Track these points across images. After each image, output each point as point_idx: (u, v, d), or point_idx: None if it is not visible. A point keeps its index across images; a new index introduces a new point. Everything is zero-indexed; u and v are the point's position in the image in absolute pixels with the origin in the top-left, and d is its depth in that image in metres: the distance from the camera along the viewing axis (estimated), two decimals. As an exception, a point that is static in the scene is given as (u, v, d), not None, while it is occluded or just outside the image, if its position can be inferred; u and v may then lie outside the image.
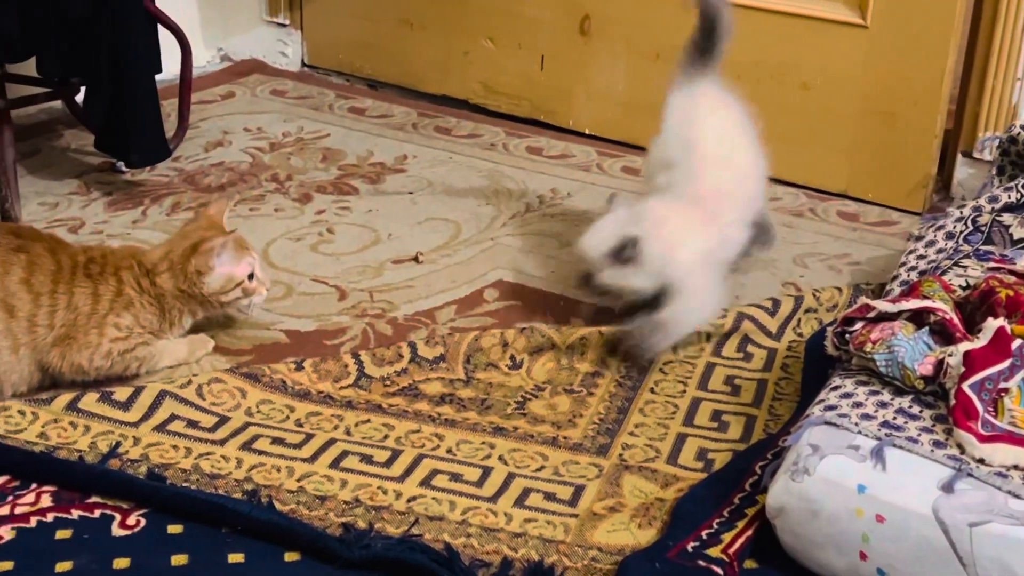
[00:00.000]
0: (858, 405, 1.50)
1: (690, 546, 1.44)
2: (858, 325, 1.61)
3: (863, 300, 1.65)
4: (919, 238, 2.04)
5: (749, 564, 1.46)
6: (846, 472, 1.40)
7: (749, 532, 1.46)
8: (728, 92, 2.05)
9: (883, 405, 1.49)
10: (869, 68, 2.49)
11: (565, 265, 2.26)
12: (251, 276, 1.90)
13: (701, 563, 1.39)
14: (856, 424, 1.45)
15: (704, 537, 1.46)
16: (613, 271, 1.84)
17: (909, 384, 1.50)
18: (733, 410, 1.79)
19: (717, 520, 1.49)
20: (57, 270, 1.79)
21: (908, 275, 1.91)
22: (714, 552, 1.42)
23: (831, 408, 1.50)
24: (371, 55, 3.27)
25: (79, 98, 2.76)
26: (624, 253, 1.82)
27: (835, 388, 1.55)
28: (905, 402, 1.49)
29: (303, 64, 3.42)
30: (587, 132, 2.94)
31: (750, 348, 1.94)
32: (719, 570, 1.39)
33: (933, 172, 2.51)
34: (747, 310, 2.00)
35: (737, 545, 1.44)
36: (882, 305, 1.61)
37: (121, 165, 2.63)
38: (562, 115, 2.97)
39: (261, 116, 3.03)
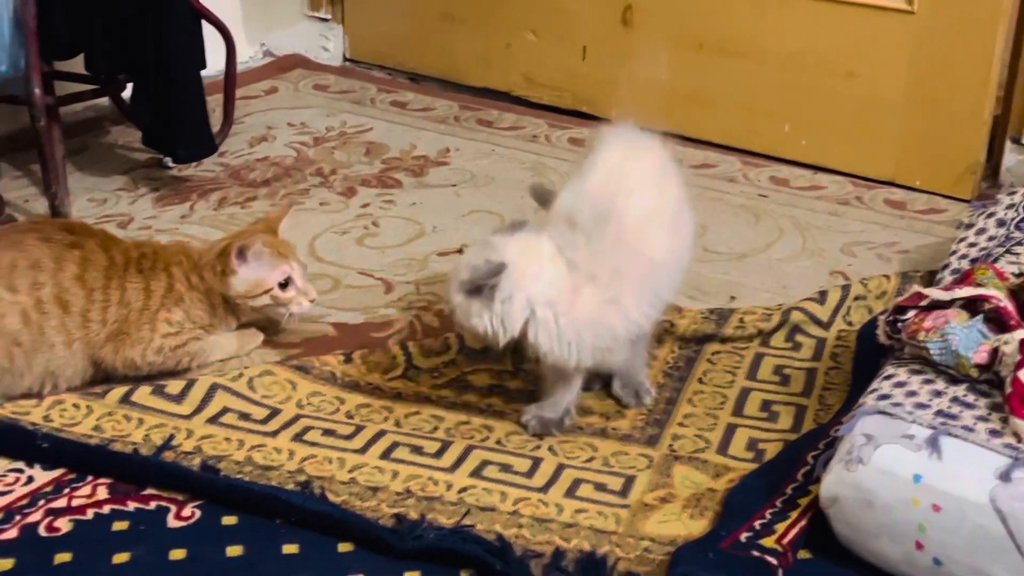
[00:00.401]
0: (912, 394, 1.48)
1: (743, 536, 1.43)
2: (910, 314, 1.60)
3: (915, 288, 1.63)
4: (969, 226, 2.02)
5: (803, 554, 1.45)
6: (901, 461, 1.38)
7: (803, 522, 1.46)
8: (670, 159, 1.74)
9: (937, 394, 1.48)
10: (916, 55, 2.47)
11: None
12: (285, 285, 1.87)
13: (755, 553, 1.39)
14: (910, 413, 1.44)
15: (757, 527, 1.45)
16: (463, 302, 1.61)
17: (963, 372, 1.49)
18: (783, 400, 1.78)
19: (770, 510, 1.48)
20: (110, 266, 1.80)
21: (959, 263, 1.89)
22: (768, 542, 1.41)
23: (884, 397, 1.48)
24: (412, 49, 3.27)
25: (126, 95, 2.78)
26: (480, 282, 1.58)
27: (888, 377, 1.54)
28: (960, 391, 1.48)
29: (345, 59, 3.43)
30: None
31: (799, 338, 1.93)
32: (773, 560, 1.38)
33: (982, 159, 2.48)
34: (795, 303, 1.99)
35: (791, 535, 1.43)
36: (935, 293, 1.59)
37: (168, 161, 2.65)
38: (604, 106, 2.96)
39: (304, 111, 3.05)
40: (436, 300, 2.12)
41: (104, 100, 2.95)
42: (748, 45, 2.69)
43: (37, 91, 2.30)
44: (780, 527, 1.44)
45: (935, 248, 2.25)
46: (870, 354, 1.76)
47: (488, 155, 2.78)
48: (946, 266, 1.90)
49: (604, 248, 1.60)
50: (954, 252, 1.95)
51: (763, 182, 2.61)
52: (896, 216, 2.44)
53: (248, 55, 3.41)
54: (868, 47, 2.54)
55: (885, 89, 2.52)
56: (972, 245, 1.95)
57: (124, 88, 2.71)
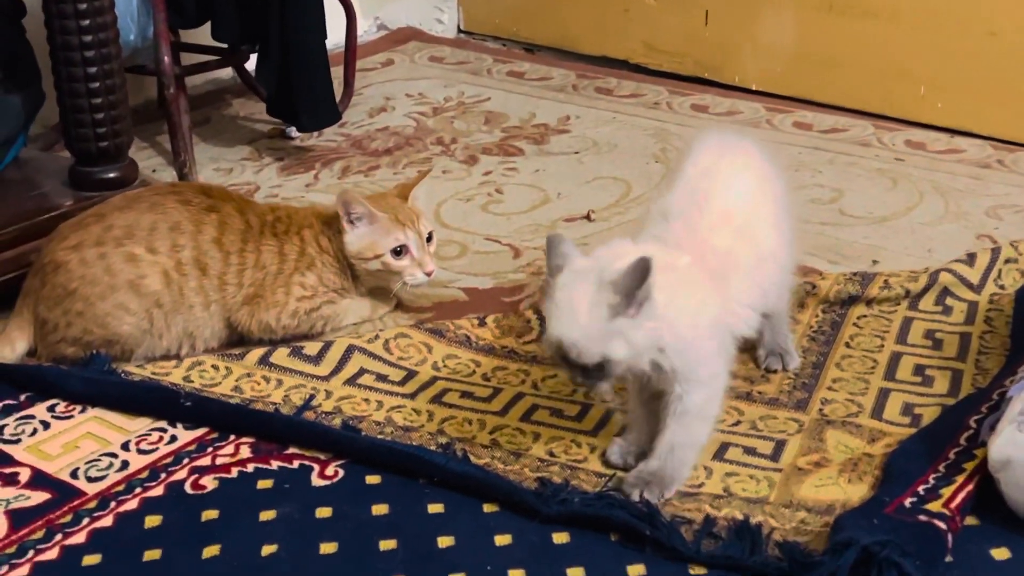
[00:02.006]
0: (1086, 354, 1.40)
1: (907, 502, 1.37)
2: (1080, 271, 1.51)
3: (1085, 245, 1.55)
4: None
5: (970, 521, 1.38)
6: (1080, 422, 1.31)
7: (969, 487, 1.39)
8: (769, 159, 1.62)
9: (1114, 354, 1.40)
10: (1063, 10, 2.36)
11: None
12: (399, 253, 1.82)
13: (922, 518, 1.33)
14: (1086, 373, 1.36)
15: (921, 492, 1.38)
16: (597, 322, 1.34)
17: None
18: (937, 364, 1.71)
19: (933, 475, 1.42)
20: (246, 229, 1.80)
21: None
22: (934, 507, 1.35)
23: (1056, 357, 1.41)
24: (527, 18, 3.24)
25: (249, 66, 2.80)
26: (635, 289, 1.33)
27: (1058, 337, 1.46)
28: None
29: (459, 30, 3.41)
30: (754, 88, 2.86)
31: (949, 301, 1.85)
32: (942, 525, 1.31)
33: None
34: (943, 265, 1.91)
35: (958, 500, 1.36)
36: (1107, 250, 1.51)
37: (291, 131, 2.66)
38: (727, 71, 2.89)
39: (421, 82, 3.03)
40: (566, 265, 2.07)
41: (225, 73, 2.98)
42: (880, 5, 2.60)
43: (166, 58, 2.31)
44: (946, 492, 1.38)
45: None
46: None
47: (609, 122, 2.73)
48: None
49: (704, 233, 1.47)
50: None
51: (898, 146, 2.52)
52: (1042, 179, 2.33)
53: (363, 29, 3.40)
54: (1009, 4, 2.43)
55: (1029, 45, 2.41)
56: None
57: (247, 59, 2.72)
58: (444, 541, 1.39)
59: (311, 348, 1.77)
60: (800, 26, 2.73)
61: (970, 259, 1.92)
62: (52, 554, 1.38)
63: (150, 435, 1.60)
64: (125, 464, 1.54)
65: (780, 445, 1.55)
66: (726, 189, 1.52)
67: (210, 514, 1.44)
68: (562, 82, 3.00)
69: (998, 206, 2.22)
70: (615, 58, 3.09)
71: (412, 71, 3.13)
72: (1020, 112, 2.46)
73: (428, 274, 1.85)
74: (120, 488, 1.49)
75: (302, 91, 2.46)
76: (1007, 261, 1.91)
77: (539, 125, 2.74)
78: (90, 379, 1.67)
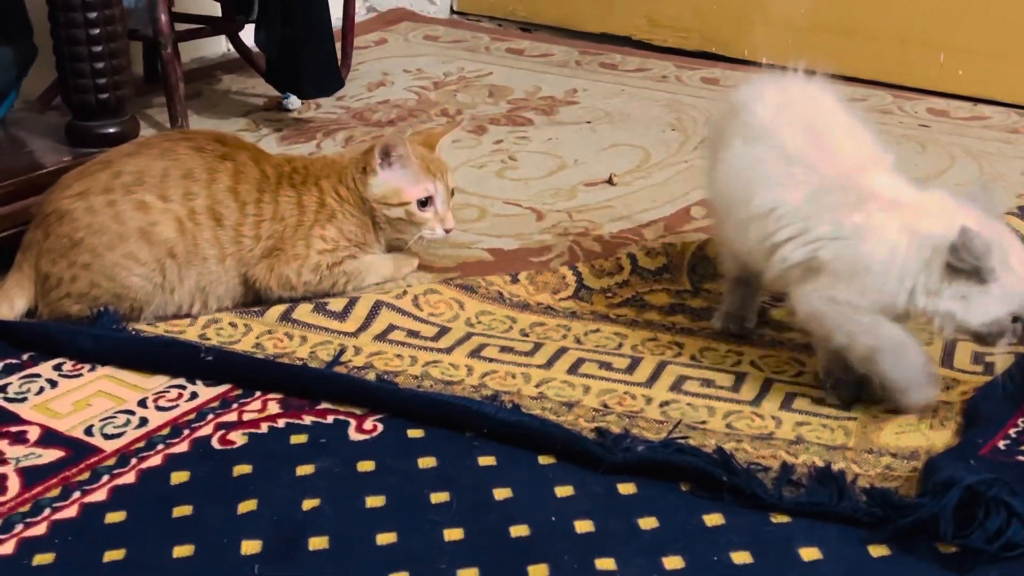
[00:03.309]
0: None
1: (1001, 444, 1.28)
2: None
3: None
4: None
5: (1065, 465, 1.29)
6: None
7: (1064, 428, 1.30)
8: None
9: None
10: (1092, -31, 2.30)
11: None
12: (424, 204, 1.72)
13: (1021, 458, 1.23)
14: None
15: (1013, 435, 1.29)
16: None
17: None
18: (1001, 314, 1.62)
19: (1022, 419, 1.33)
20: (262, 179, 1.68)
21: None
22: (1032, 448, 1.25)
23: None
24: (524, -3, 3.15)
25: (244, 37, 2.68)
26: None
27: None
28: None
29: (452, 11, 3.31)
30: (764, 62, 2.77)
31: (1003, 254, 1.76)
32: (1044, 465, 1.22)
33: None
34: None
35: (1055, 441, 1.27)
36: None
37: (289, 102, 2.54)
38: (735, 45, 2.82)
39: (418, 59, 2.93)
40: (594, 226, 1.98)
41: (214, 51, 2.87)
42: (896, -30, 2.54)
43: (164, 17, 2.20)
44: (1041, 433, 1.29)
45: None
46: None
47: (618, 95, 2.64)
48: None
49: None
50: None
51: (920, 113, 2.45)
52: (1073, 143, 2.27)
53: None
54: (1032, -33, 2.37)
55: (1056, 8, 2.35)
56: None
57: (242, 27, 2.60)
58: (500, 493, 1.28)
59: (336, 304, 1.65)
60: (813, -5, 2.66)
61: (1021, 212, 1.84)
62: (71, 512, 1.25)
63: (168, 392, 1.47)
64: (144, 421, 1.41)
65: (849, 395, 1.45)
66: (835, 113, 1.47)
67: (242, 469, 1.32)
68: (564, 58, 2.91)
69: (1032, 168, 2.15)
70: (617, 35, 3.00)
71: (407, 49, 3.02)
72: (1045, 78, 2.39)
73: (447, 231, 1.75)
74: (141, 445, 1.37)
75: (305, 57, 2.34)
76: (1050, 218, 1.84)
77: (546, 97, 2.64)
78: (101, 336, 1.54)
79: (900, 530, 1.18)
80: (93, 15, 1.78)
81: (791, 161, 1.41)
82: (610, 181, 2.16)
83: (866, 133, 1.46)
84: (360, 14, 3.31)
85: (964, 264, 1.28)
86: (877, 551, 1.18)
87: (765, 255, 1.43)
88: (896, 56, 2.58)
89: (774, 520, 1.23)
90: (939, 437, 1.35)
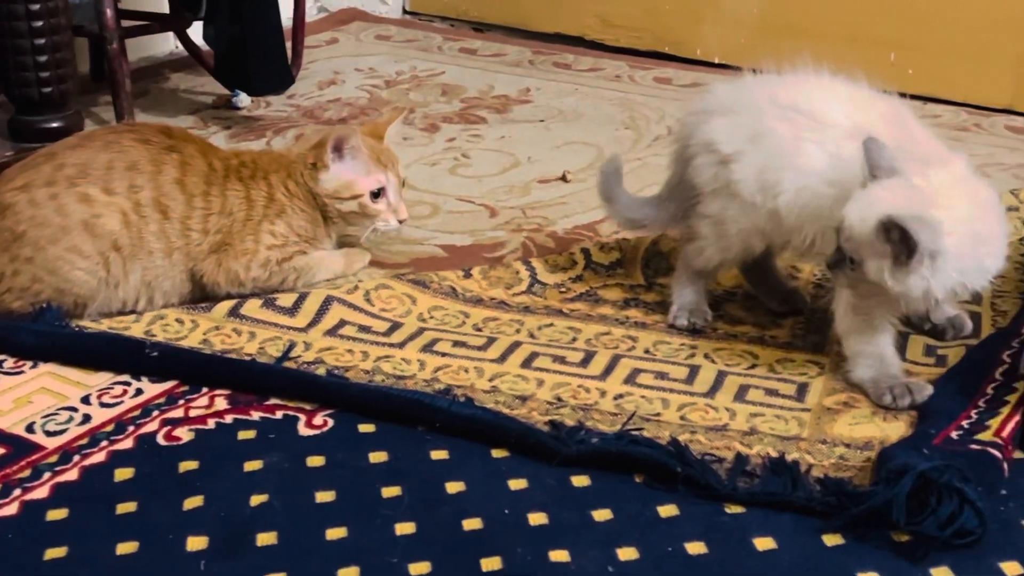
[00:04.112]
0: None
1: (954, 434, 1.27)
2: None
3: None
4: None
5: (1016, 455, 1.29)
6: None
7: (1016, 417, 1.30)
8: None
9: None
10: (1039, -33, 2.32)
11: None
12: (377, 196, 1.71)
13: (974, 447, 1.23)
14: None
15: (966, 426, 1.29)
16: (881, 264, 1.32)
17: None
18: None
19: (974, 411, 1.33)
20: (209, 172, 1.65)
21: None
22: (985, 437, 1.25)
23: (1098, 280, 1.33)
24: (477, -3, 3.14)
25: (192, 34, 2.64)
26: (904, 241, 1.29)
27: (1093, 263, 1.38)
28: None
29: (404, 11, 3.29)
30: (716, 61, 2.79)
31: (954, 248, 1.77)
32: (996, 452, 1.22)
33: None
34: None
35: (1008, 430, 1.27)
36: None
37: (238, 100, 2.51)
38: (688, 45, 2.82)
39: (370, 58, 2.91)
40: (547, 223, 1.96)
41: (162, 48, 2.83)
42: (847, -30, 2.55)
43: (109, 11, 2.15)
44: (993, 423, 1.29)
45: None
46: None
47: (572, 93, 2.63)
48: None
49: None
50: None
51: (871, 112, 2.46)
52: (1022, 140, 2.28)
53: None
54: (980, -33, 2.40)
55: (1003, 7, 2.37)
56: None
57: (190, 24, 2.56)
58: (453, 487, 1.26)
59: (285, 300, 1.62)
60: (764, -5, 2.67)
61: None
62: (11, 509, 1.22)
63: (113, 388, 1.44)
64: (87, 418, 1.38)
65: (803, 387, 1.45)
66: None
67: (189, 465, 1.29)
68: (517, 57, 2.90)
69: (984, 164, 2.15)
70: (569, 35, 2.99)
71: (359, 48, 3.00)
72: (994, 77, 2.41)
73: (401, 221, 1.73)
74: (84, 442, 1.34)
75: (254, 54, 2.32)
76: (1009, 209, 1.84)
77: (499, 96, 2.62)
78: (42, 332, 1.51)
79: (854, 519, 1.17)
80: (36, 7, 1.76)
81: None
82: (564, 178, 2.15)
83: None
84: (311, 14, 3.28)
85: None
86: (831, 540, 1.17)
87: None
88: (847, 55, 2.57)
89: (728, 511, 1.22)
90: (893, 428, 1.35)
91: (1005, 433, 1.26)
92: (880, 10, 2.52)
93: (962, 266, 1.31)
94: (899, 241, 1.29)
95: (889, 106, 1.48)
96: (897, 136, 1.40)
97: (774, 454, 1.30)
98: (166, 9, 2.51)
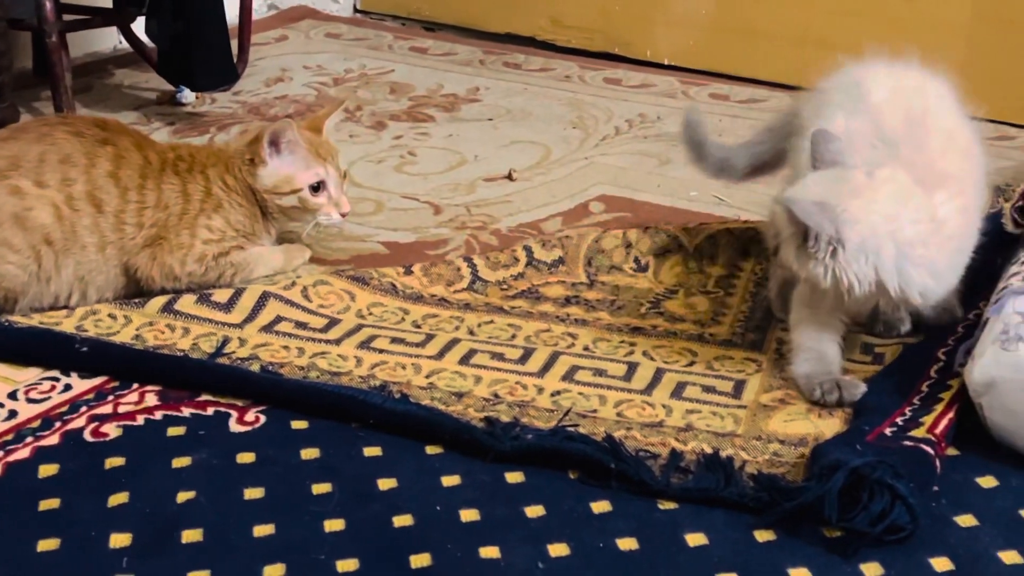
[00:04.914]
0: (1062, 274, 1.34)
1: (888, 431, 1.27)
2: (1044, 197, 1.46)
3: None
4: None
5: (951, 452, 1.29)
6: (1069, 336, 1.23)
7: (950, 415, 1.30)
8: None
9: (1090, 273, 1.33)
10: (984, -29, 2.34)
11: (672, 181, 2.11)
12: (317, 189, 1.69)
13: (907, 443, 1.23)
14: (1067, 291, 1.29)
15: (900, 423, 1.29)
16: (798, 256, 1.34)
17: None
18: (891, 305, 1.63)
19: (909, 408, 1.33)
20: (145, 165, 1.63)
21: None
22: (918, 433, 1.25)
23: (1032, 278, 1.34)
24: (428, -4, 3.12)
25: (136, 28, 2.60)
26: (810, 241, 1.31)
27: (1028, 261, 1.39)
28: (1115, 269, 1.33)
29: (355, 10, 3.27)
30: (666, 63, 2.79)
31: (894, 248, 1.77)
32: (929, 449, 1.22)
33: (1053, 83, 2.35)
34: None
35: (941, 427, 1.27)
36: (1072, 173, 1.45)
37: (182, 96, 2.48)
38: (638, 46, 2.82)
39: (319, 55, 2.88)
40: (491, 220, 1.95)
41: (107, 44, 2.79)
42: (796, -29, 2.56)
43: (48, 4, 2.12)
44: (927, 420, 1.29)
45: (1015, 170, 2.11)
46: (984, 252, 1.61)
47: (521, 93, 2.62)
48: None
49: (931, 152, 1.40)
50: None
51: (818, 114, 2.47)
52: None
53: (252, 8, 3.22)
54: (929, -34, 2.41)
55: (949, 10, 2.39)
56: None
57: (134, 19, 2.53)
58: (385, 483, 1.24)
59: (220, 295, 1.60)
60: (714, -4, 2.68)
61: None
62: (-71, 505, 1.19)
63: (41, 384, 1.41)
64: (13, 413, 1.35)
65: (740, 384, 1.45)
66: (941, 110, 1.45)
67: (115, 461, 1.27)
68: (468, 57, 2.88)
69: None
70: (521, 35, 2.99)
71: (308, 46, 2.97)
72: (938, 79, 2.42)
73: (343, 215, 1.71)
74: (9, 438, 1.31)
75: (197, 49, 2.29)
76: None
77: (448, 95, 2.61)
78: (-32, 327, 1.47)
79: (786, 514, 1.17)
80: (-32, -5, 1.72)
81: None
82: (510, 177, 2.13)
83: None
84: (261, 11, 3.26)
85: None
86: (763, 536, 1.16)
87: None
88: (795, 57, 2.60)
89: (661, 507, 1.21)
90: (827, 425, 1.35)
91: (938, 430, 1.26)
92: (827, 12, 2.53)
93: (876, 263, 1.31)
94: (799, 224, 1.29)
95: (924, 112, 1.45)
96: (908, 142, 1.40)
97: (708, 450, 1.29)
98: (109, 3, 2.48)
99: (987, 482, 1.25)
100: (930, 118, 1.44)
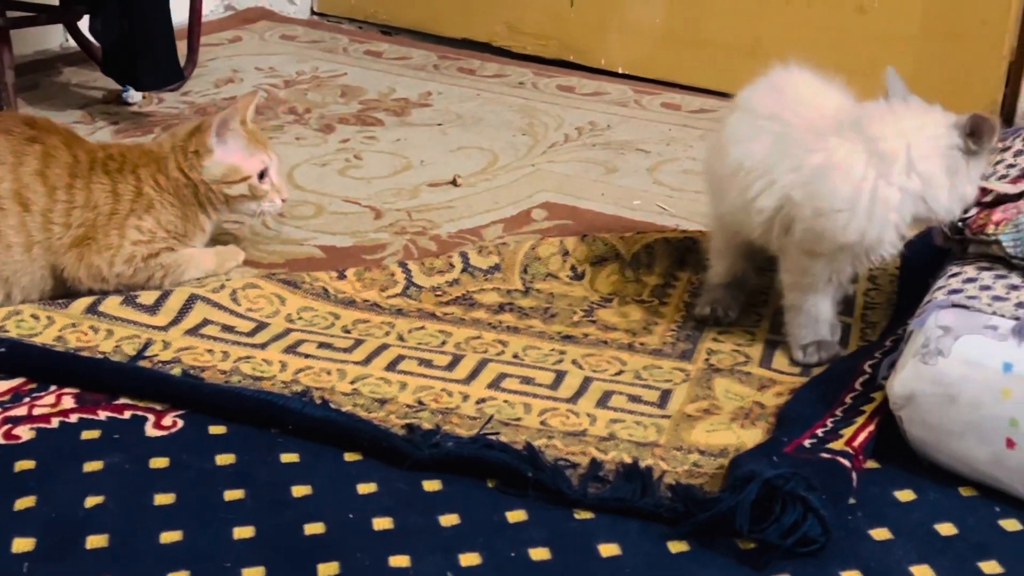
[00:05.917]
0: (986, 288, 1.34)
1: (807, 442, 1.27)
2: (973, 211, 1.46)
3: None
4: (1005, 149, 1.88)
5: (871, 465, 1.29)
6: (987, 351, 1.23)
7: (870, 427, 1.30)
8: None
9: (1014, 287, 1.33)
10: (931, -14, 2.35)
11: (617, 190, 2.10)
12: (262, 176, 1.69)
13: (824, 455, 1.23)
14: (989, 305, 1.29)
15: (820, 434, 1.29)
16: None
17: (1042, 263, 1.34)
18: (823, 317, 1.62)
19: (831, 419, 1.32)
20: (74, 164, 1.61)
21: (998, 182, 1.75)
22: (836, 445, 1.25)
23: (956, 292, 1.33)
24: (385, 0, 3.11)
25: (82, 26, 2.58)
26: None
27: (955, 275, 1.39)
28: (1038, 284, 1.33)
29: (312, 12, 3.26)
30: (620, 71, 2.79)
31: (831, 259, 1.77)
32: (846, 462, 1.22)
33: (999, 97, 2.36)
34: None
35: (860, 439, 1.27)
36: (1001, 187, 1.46)
37: (128, 96, 2.45)
38: (593, 54, 2.81)
39: (272, 57, 2.86)
40: (432, 226, 1.94)
41: (55, 42, 2.76)
42: (749, -18, 2.56)
43: (-11, 0, 2.09)
44: (847, 432, 1.28)
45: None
46: (916, 269, 1.62)
47: (473, 99, 2.61)
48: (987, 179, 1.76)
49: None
50: (993, 174, 1.81)
51: (767, 124, 2.47)
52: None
53: (208, 8, 3.20)
54: (878, -20, 2.42)
55: (898, 24, 2.40)
56: (1011, 166, 1.81)
57: (80, 17, 2.50)
58: (299, 490, 1.23)
59: (147, 297, 1.58)
60: (667, 6, 2.68)
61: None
62: None
63: (-45, 385, 1.39)
64: (-77, 414, 1.33)
65: (666, 394, 1.44)
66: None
67: (25, 464, 1.25)
68: (423, 62, 2.87)
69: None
70: (477, 40, 2.98)
71: (262, 47, 2.95)
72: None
73: (284, 201, 1.73)
74: (-84, 439, 1.28)
75: (142, 47, 2.26)
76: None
77: (399, 99, 2.60)
78: None
79: (700, 525, 1.16)
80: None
81: (758, 116, 1.49)
82: (454, 182, 2.12)
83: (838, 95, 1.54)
84: (217, 12, 3.24)
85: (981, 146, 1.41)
86: (676, 547, 1.16)
87: (748, 215, 1.47)
88: (747, 67, 2.59)
89: (577, 516, 1.20)
90: (749, 436, 1.34)
91: (857, 443, 1.26)
92: (780, 23, 2.54)
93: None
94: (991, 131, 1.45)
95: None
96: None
97: (628, 460, 1.28)
98: (55, 0, 2.45)
99: (905, 496, 1.25)
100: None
